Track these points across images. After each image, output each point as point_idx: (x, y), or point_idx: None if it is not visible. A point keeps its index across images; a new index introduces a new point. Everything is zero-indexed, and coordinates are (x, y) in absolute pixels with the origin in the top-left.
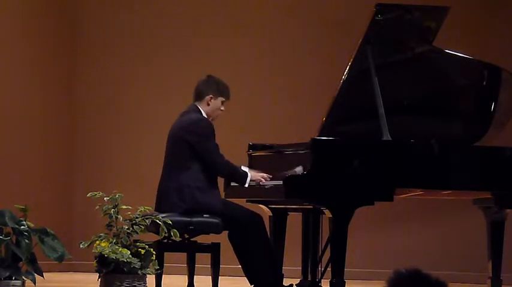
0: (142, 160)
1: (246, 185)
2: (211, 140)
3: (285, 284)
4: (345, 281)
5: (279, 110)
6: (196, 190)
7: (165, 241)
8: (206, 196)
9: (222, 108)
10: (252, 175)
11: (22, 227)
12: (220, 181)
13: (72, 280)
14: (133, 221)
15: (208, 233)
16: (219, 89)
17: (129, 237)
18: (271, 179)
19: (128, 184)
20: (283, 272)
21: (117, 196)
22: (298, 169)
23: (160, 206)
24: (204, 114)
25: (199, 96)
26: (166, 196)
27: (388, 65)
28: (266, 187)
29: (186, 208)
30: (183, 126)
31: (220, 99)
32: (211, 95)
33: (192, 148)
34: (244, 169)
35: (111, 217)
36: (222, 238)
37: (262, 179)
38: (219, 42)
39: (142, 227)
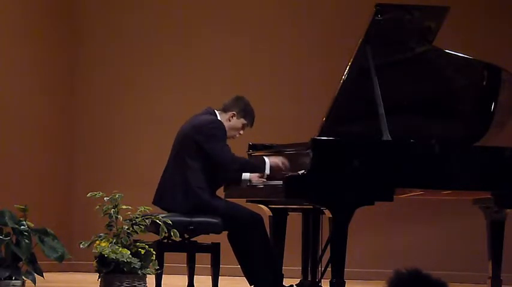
0: (143, 159)
1: (267, 172)
2: (221, 141)
3: (285, 284)
4: (345, 281)
5: (279, 110)
6: (199, 189)
7: (165, 241)
8: (208, 196)
9: (241, 132)
10: (271, 160)
11: (22, 227)
12: None
13: (72, 280)
14: (134, 221)
15: (208, 233)
16: (246, 110)
17: (129, 237)
18: (274, 179)
19: (128, 184)
20: (283, 272)
21: (117, 196)
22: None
23: (161, 202)
24: None
25: (223, 109)
26: (170, 192)
27: (388, 65)
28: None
29: (189, 206)
30: (195, 126)
31: (242, 121)
32: (234, 112)
33: (198, 148)
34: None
35: (111, 217)
36: (222, 238)
37: (281, 164)
38: (219, 42)
39: (142, 227)
